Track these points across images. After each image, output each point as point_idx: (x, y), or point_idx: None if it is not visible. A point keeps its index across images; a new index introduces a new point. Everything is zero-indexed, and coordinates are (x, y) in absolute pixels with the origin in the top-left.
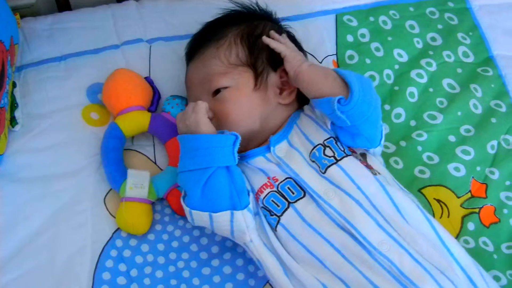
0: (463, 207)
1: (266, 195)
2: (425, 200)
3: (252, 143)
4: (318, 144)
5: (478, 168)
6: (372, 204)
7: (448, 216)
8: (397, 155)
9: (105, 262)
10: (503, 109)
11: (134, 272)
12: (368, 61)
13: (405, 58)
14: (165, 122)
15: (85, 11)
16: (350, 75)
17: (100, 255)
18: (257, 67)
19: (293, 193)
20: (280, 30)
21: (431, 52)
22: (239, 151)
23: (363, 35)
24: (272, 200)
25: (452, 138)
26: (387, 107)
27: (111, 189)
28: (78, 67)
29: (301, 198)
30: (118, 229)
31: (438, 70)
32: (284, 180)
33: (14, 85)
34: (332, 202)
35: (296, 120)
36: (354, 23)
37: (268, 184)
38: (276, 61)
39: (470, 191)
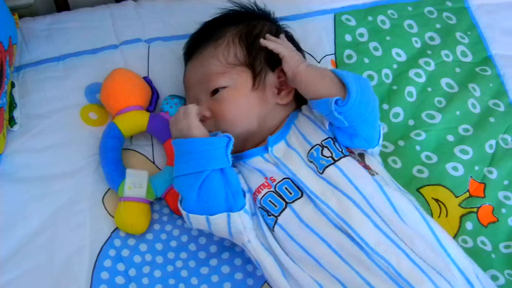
0: (461, 207)
1: (263, 195)
2: (424, 199)
3: (250, 143)
4: (316, 145)
5: (476, 168)
6: (369, 204)
7: (446, 216)
8: (395, 155)
9: (103, 261)
10: (502, 108)
11: (132, 272)
12: (366, 60)
13: (403, 57)
14: (164, 122)
15: (83, 11)
16: (347, 76)
17: (98, 255)
18: (255, 67)
19: (290, 193)
20: (279, 30)
21: (429, 52)
22: (237, 151)
23: (361, 35)
24: (270, 200)
25: (450, 138)
26: (385, 106)
27: (109, 189)
28: (77, 67)
29: (299, 198)
30: (116, 228)
31: (436, 70)
32: (281, 180)
33: (12, 85)
34: (330, 202)
35: (294, 120)
36: (353, 22)
37: (266, 184)
38: (274, 61)
39: (468, 190)
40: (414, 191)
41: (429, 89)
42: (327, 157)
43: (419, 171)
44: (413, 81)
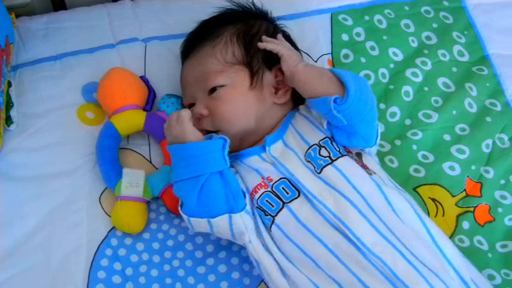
0: (458, 206)
1: (260, 195)
2: (420, 199)
3: (247, 142)
4: (313, 144)
5: (473, 167)
6: (367, 204)
7: (443, 215)
8: (392, 154)
9: (100, 261)
10: (498, 108)
11: (129, 271)
12: (363, 60)
13: (400, 57)
14: (161, 121)
15: (80, 11)
16: (346, 75)
17: (95, 254)
18: (253, 66)
19: (287, 193)
20: (276, 29)
21: (426, 51)
22: (233, 150)
23: (358, 34)
24: (267, 200)
25: (447, 137)
26: (382, 106)
27: (106, 188)
28: (74, 67)
29: (296, 198)
30: (113, 228)
31: (433, 69)
32: (278, 180)
33: (9, 84)
34: (327, 202)
35: (291, 120)
36: (349, 22)
37: (263, 184)
38: (271, 60)
39: (465, 190)
40: (410, 191)
41: (426, 88)
42: (325, 157)
43: (416, 170)
44: (410, 81)
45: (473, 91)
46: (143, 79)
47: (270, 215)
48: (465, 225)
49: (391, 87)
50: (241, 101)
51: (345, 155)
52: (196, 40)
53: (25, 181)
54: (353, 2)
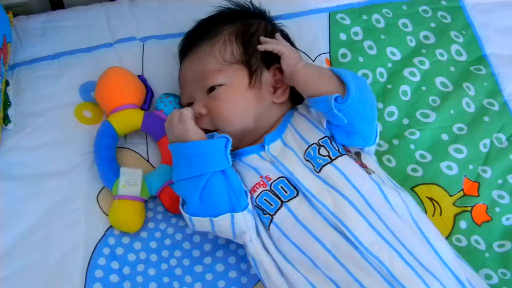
0: (456, 206)
1: (259, 194)
2: (418, 198)
3: (246, 141)
4: (312, 144)
5: (470, 167)
6: (367, 203)
7: (441, 215)
8: (389, 153)
9: (97, 260)
10: (496, 107)
11: (126, 270)
12: (361, 59)
13: (398, 56)
14: (158, 120)
15: (78, 10)
16: (346, 74)
17: (92, 253)
18: (251, 65)
19: (286, 192)
20: (274, 28)
21: (424, 51)
22: (232, 149)
23: (356, 33)
24: (265, 199)
25: (444, 137)
26: (380, 105)
27: (104, 187)
28: (71, 66)
29: (294, 197)
30: (110, 227)
31: (431, 69)
32: (277, 179)
33: (7, 83)
34: (326, 201)
35: (290, 119)
36: (347, 21)
37: (261, 183)
38: (269, 59)
39: (462, 189)
40: (408, 190)
41: (424, 88)
42: (324, 156)
43: (414, 170)
44: (408, 80)
45: (471, 90)
46: (141, 78)
47: (268, 214)
48: (463, 224)
49: (389, 86)
50: (240, 100)
51: (344, 154)
52: (195, 39)
53: (22, 180)
54: (351, 1)
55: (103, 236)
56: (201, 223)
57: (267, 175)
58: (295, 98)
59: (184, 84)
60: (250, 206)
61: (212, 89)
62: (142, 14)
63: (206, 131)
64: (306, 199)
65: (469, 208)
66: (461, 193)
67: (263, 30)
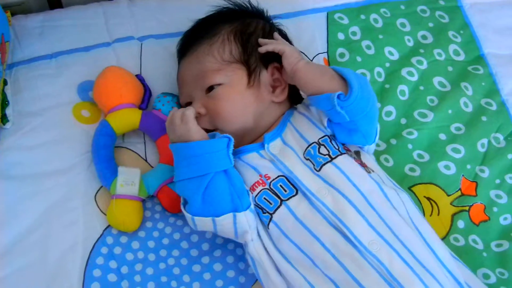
0: (453, 205)
1: (258, 193)
2: (415, 198)
3: (245, 140)
4: (313, 142)
5: (468, 166)
6: (367, 201)
7: (438, 214)
8: (387, 153)
9: (95, 259)
10: (494, 107)
11: (124, 269)
12: (359, 59)
13: (396, 56)
14: (156, 120)
15: (76, 9)
16: (348, 72)
17: (90, 252)
18: (250, 64)
19: (285, 191)
20: (272, 27)
21: (422, 50)
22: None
23: (354, 33)
24: (265, 198)
25: (442, 136)
26: (377, 105)
27: (102, 187)
28: (69, 65)
29: (294, 196)
30: (108, 226)
31: (429, 68)
32: (276, 177)
33: (5, 82)
34: (325, 200)
35: (289, 118)
36: (345, 21)
37: (260, 181)
38: (267, 58)
39: (460, 189)
40: (406, 190)
41: (422, 87)
42: (324, 155)
43: (411, 169)
44: (406, 80)
45: (469, 90)
46: (139, 77)
47: (268, 212)
48: (460, 224)
49: (387, 86)
50: (239, 99)
51: (344, 154)
52: (193, 39)
53: (20, 179)
54: (349, 1)
55: (101, 235)
56: (203, 223)
57: (266, 174)
58: (294, 98)
59: (183, 84)
60: (252, 206)
61: (211, 88)
62: (140, 13)
63: (205, 130)
64: (305, 198)
65: (467, 208)
66: (459, 193)
67: (262, 29)
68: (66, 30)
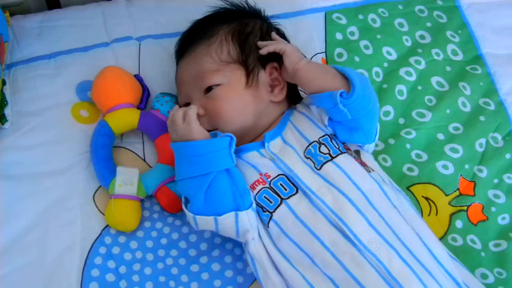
0: (451, 205)
1: (258, 192)
2: (414, 197)
3: (245, 139)
4: (313, 141)
5: (466, 166)
6: (368, 200)
7: (436, 214)
8: (385, 153)
9: (94, 259)
10: (492, 107)
11: (123, 269)
12: (357, 59)
13: (394, 56)
14: (155, 120)
15: (74, 9)
16: (350, 71)
17: (89, 252)
18: (248, 65)
19: (285, 190)
20: (270, 27)
21: (420, 50)
22: None
23: (352, 33)
24: (265, 196)
25: (440, 136)
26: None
27: (100, 187)
28: (68, 65)
29: (294, 194)
30: (107, 226)
31: (427, 68)
32: (276, 176)
33: (3, 82)
34: (325, 198)
35: (289, 117)
36: (343, 21)
37: (261, 180)
38: (266, 58)
39: (458, 189)
40: (404, 189)
41: (420, 87)
42: (325, 154)
43: (409, 169)
44: (404, 80)
45: (467, 90)
46: (137, 77)
47: (268, 211)
48: (458, 224)
49: (385, 86)
50: (238, 100)
51: (345, 153)
52: (191, 40)
53: (19, 179)
54: (347, 1)
55: (99, 235)
56: (205, 222)
57: (266, 173)
58: (293, 97)
59: (181, 85)
60: (254, 205)
61: (209, 89)
62: (139, 13)
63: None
64: (305, 196)
65: (465, 208)
66: (457, 193)
67: (259, 29)
68: (64, 30)
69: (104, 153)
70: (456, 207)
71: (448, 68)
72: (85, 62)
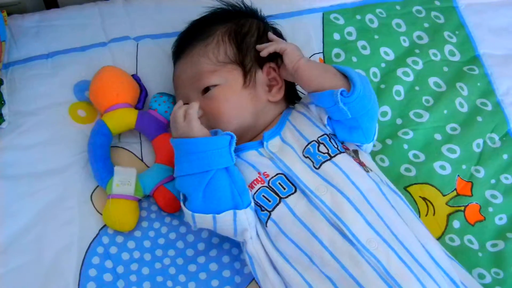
0: (449, 205)
1: (257, 191)
2: (411, 198)
3: (244, 138)
4: (312, 141)
5: (463, 167)
6: (366, 200)
7: (434, 214)
8: (383, 153)
9: (91, 258)
10: (489, 107)
11: (120, 269)
12: (354, 59)
13: (391, 56)
14: (152, 119)
15: (72, 9)
16: (350, 70)
17: (86, 252)
18: (245, 65)
19: (284, 189)
20: (266, 27)
21: (417, 51)
22: None
23: (349, 34)
24: (263, 196)
25: (438, 137)
26: None
27: (98, 186)
28: (65, 65)
29: (292, 193)
30: (104, 226)
31: (424, 69)
32: (275, 175)
33: (1, 82)
34: (324, 197)
35: (288, 117)
36: (341, 21)
37: (259, 179)
38: (263, 58)
39: (455, 189)
40: (401, 190)
41: (417, 88)
42: (324, 153)
43: (407, 169)
44: (401, 80)
45: (464, 90)
46: (135, 77)
47: (266, 210)
48: (456, 224)
49: (382, 86)
50: (235, 100)
51: (343, 152)
52: (188, 40)
53: (16, 179)
54: (344, 1)
55: (97, 235)
56: (203, 220)
57: (265, 172)
58: (291, 97)
59: (179, 86)
60: (252, 204)
61: (206, 90)
62: (136, 13)
63: None
64: (304, 196)
65: (462, 208)
66: (454, 193)
67: (256, 29)
68: (62, 30)
69: (102, 153)
70: (454, 207)
71: (445, 69)
72: (83, 62)
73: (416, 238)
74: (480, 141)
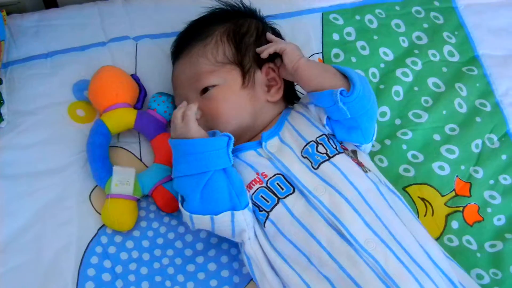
0: (447, 206)
1: (255, 191)
2: (410, 198)
3: (243, 139)
4: (311, 141)
5: (462, 167)
6: (364, 200)
7: (432, 215)
8: (381, 154)
9: (90, 258)
10: (488, 108)
11: (119, 269)
12: (353, 59)
13: (390, 56)
14: (151, 119)
15: (71, 9)
16: (349, 70)
17: (85, 252)
18: (244, 65)
19: (282, 189)
20: (265, 27)
21: (416, 51)
22: None
23: (349, 34)
24: (262, 196)
25: (436, 137)
26: None
27: (96, 186)
28: (64, 64)
29: (291, 194)
30: (103, 225)
31: (423, 69)
32: (273, 176)
33: (0, 81)
34: (322, 198)
35: (287, 117)
36: (340, 21)
37: (257, 180)
38: (262, 58)
39: (454, 189)
40: (400, 190)
41: (416, 88)
42: (322, 153)
43: (406, 170)
44: (400, 81)
45: (463, 91)
46: (134, 77)
47: (264, 210)
48: (454, 224)
49: (382, 86)
50: (234, 100)
51: (342, 153)
52: (187, 41)
53: (15, 178)
54: (344, 1)
55: (95, 234)
56: (201, 221)
57: (263, 172)
58: (289, 97)
59: (178, 86)
60: (250, 205)
61: (205, 90)
62: (136, 13)
63: None
64: (302, 196)
65: (461, 208)
66: (453, 194)
67: (255, 29)
68: (61, 29)
69: (101, 152)
70: (452, 208)
71: (444, 69)
72: (82, 62)
73: (414, 238)
74: (479, 141)
